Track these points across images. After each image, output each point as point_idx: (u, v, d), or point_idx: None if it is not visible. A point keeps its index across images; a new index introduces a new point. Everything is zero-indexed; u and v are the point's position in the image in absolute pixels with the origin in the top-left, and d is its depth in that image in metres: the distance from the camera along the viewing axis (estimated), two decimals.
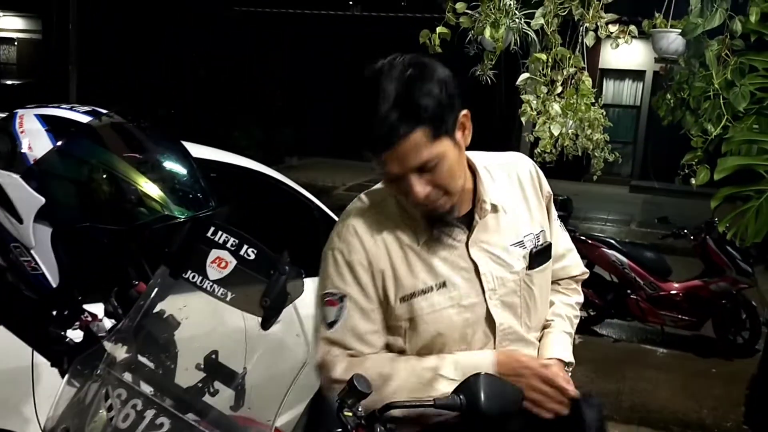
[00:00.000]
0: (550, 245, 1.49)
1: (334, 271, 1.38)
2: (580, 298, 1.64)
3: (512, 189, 1.47)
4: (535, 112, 3.28)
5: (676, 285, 5.70)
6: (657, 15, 3.56)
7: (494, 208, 1.42)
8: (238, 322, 1.21)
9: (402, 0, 13.94)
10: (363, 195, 1.46)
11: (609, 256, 5.80)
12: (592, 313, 5.90)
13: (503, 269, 1.41)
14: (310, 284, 3.07)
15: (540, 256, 1.46)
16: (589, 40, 3.29)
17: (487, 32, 3.25)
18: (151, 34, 13.65)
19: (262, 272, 1.07)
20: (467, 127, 1.34)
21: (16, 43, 19.31)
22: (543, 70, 3.22)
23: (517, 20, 3.42)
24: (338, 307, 1.36)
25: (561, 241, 1.58)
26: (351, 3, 14.68)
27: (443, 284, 1.37)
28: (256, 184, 3.25)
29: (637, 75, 13.78)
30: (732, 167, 3.05)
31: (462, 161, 1.35)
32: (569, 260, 1.61)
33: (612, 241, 5.98)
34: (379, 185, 1.45)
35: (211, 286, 1.04)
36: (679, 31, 3.34)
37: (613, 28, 3.21)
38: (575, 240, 5.79)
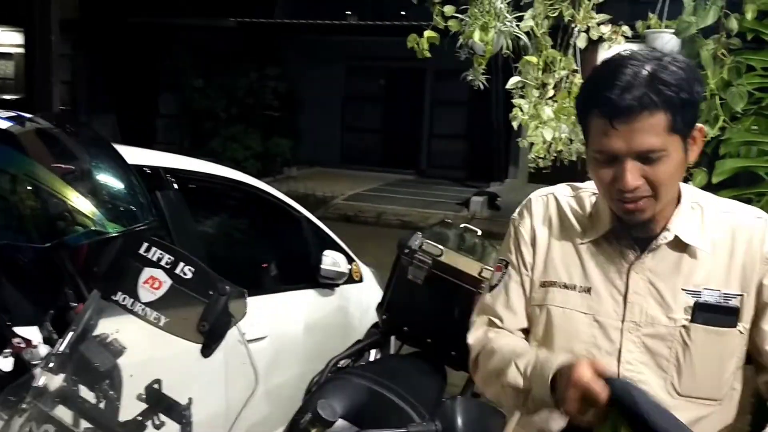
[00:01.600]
0: (737, 310, 1.24)
1: (507, 238, 1.43)
2: None
3: (720, 237, 1.28)
4: (527, 117, 3.18)
5: None
6: (651, 16, 3.47)
7: (679, 244, 1.26)
8: (181, 347, 1.11)
9: (402, 9, 13.90)
10: (560, 185, 1.44)
11: None
12: None
13: (660, 309, 1.25)
14: (302, 296, 2.96)
15: (714, 312, 1.24)
16: (581, 42, 3.20)
17: (476, 35, 3.16)
18: (143, 40, 13.62)
19: (201, 293, 0.97)
20: (698, 143, 1.25)
21: (13, 58, 19.30)
22: (534, 73, 3.12)
23: (507, 23, 3.33)
24: (501, 273, 1.41)
25: None
26: (348, 12, 14.63)
27: (588, 290, 1.30)
28: (241, 197, 3.16)
29: None
30: (731, 170, 2.95)
31: (681, 172, 1.25)
32: None
33: None
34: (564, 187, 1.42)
35: (143, 309, 0.94)
36: (673, 31, 3.24)
37: (606, 29, 3.12)
38: None
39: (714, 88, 2.92)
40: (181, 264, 0.95)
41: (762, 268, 1.24)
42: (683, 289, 1.24)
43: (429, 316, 2.16)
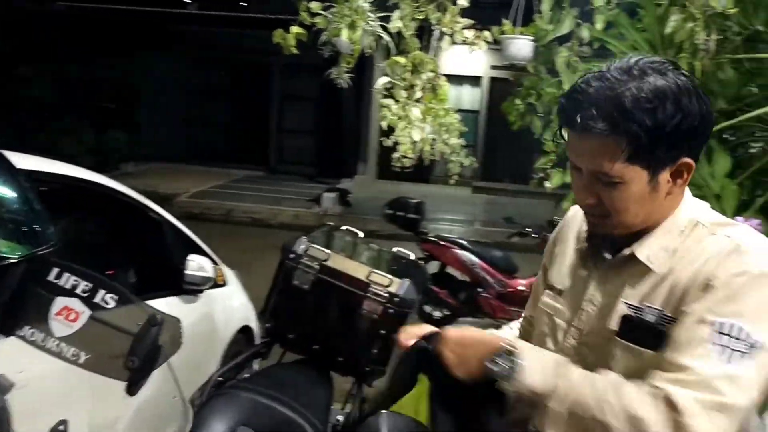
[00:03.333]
0: (662, 333, 1.13)
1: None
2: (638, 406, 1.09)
3: (687, 259, 1.16)
4: (395, 117, 3.21)
5: (523, 281, 5.92)
6: (505, 22, 3.63)
7: (633, 259, 1.20)
8: (96, 384, 0.98)
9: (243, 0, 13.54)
10: None
11: (460, 256, 5.91)
12: (446, 313, 5.99)
13: (601, 320, 1.22)
14: (164, 305, 2.77)
15: (644, 330, 1.16)
16: (445, 45, 3.28)
17: (344, 34, 3.14)
18: None
19: (127, 324, 0.86)
20: (684, 178, 1.16)
21: None
22: (402, 74, 3.16)
23: (371, 23, 3.34)
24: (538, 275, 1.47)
25: (687, 347, 1.09)
26: (188, 1, 14.03)
27: (561, 292, 1.34)
28: (91, 198, 2.89)
29: (474, 81, 14.37)
30: None
31: (651, 204, 1.16)
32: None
33: (463, 242, 6.11)
34: None
35: (57, 346, 0.81)
36: (529, 37, 3.42)
37: (469, 34, 3.22)
38: (427, 242, 5.91)
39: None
40: (102, 291, 0.83)
41: (695, 294, 1.12)
42: (626, 303, 1.19)
43: (316, 322, 2.11)
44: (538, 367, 1.12)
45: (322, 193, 10.89)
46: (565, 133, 1.15)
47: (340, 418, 2.06)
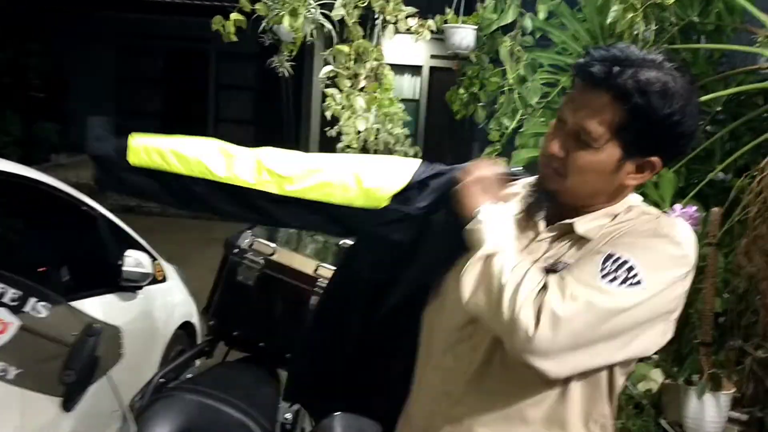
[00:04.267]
0: None
1: None
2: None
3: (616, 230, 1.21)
4: (339, 107, 3.15)
5: None
6: (448, 11, 3.62)
7: (569, 233, 1.22)
8: (27, 398, 0.90)
9: None
10: None
11: None
12: None
13: None
14: (100, 303, 2.64)
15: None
16: (389, 34, 3.24)
17: (286, 21, 3.06)
18: None
19: (62, 335, 0.79)
20: (645, 173, 1.18)
21: None
22: (346, 63, 3.10)
23: (313, 10, 3.27)
24: None
25: (576, 266, 1.16)
26: None
27: None
28: (19, 192, 2.73)
29: (414, 70, 14.38)
30: (525, 159, 3.17)
31: (605, 183, 1.18)
32: None
33: None
34: None
35: None
36: (472, 27, 3.41)
37: (413, 22, 3.19)
38: None
39: (512, 82, 3.12)
40: (32, 300, 0.76)
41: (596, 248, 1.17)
42: (544, 267, 1.20)
43: (262, 318, 2.05)
44: (498, 228, 1.16)
45: None
46: (572, 87, 1.18)
47: (289, 416, 2.01)
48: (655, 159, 1.16)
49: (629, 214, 1.22)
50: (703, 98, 3.39)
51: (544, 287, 1.07)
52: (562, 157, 1.15)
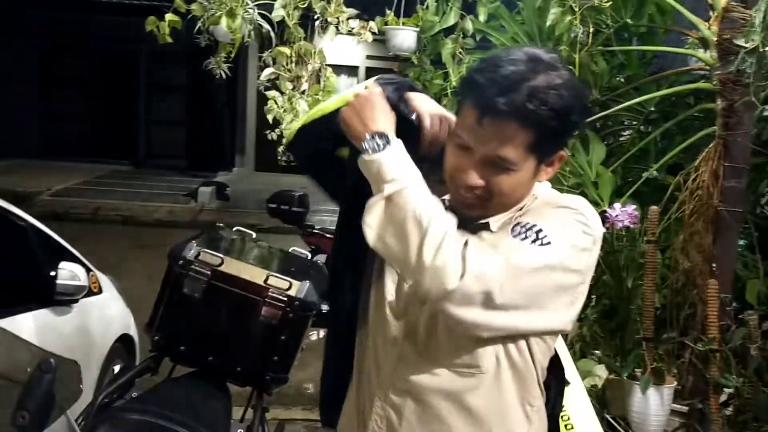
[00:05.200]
0: None
1: None
2: None
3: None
4: (281, 110, 3.09)
5: None
6: (389, 12, 3.60)
7: (483, 228, 1.21)
8: None
9: None
10: None
11: None
12: None
13: None
14: (33, 319, 2.50)
15: None
16: (330, 35, 3.20)
17: (224, 22, 2.98)
18: None
19: (13, 372, 0.71)
20: (555, 168, 1.22)
21: None
22: (287, 65, 3.04)
23: (250, 11, 3.20)
24: None
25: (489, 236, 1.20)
26: None
27: None
28: None
29: (351, 71, 14.35)
30: None
31: (525, 188, 1.20)
32: None
33: None
34: None
35: None
36: (413, 28, 3.40)
37: (354, 24, 3.15)
38: (314, 235, 5.81)
39: (455, 84, 3.12)
40: None
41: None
42: None
43: (210, 332, 1.97)
44: (401, 161, 1.14)
45: (198, 186, 10.48)
46: (468, 112, 1.14)
47: (241, 431, 1.95)
48: (562, 152, 1.20)
49: (536, 201, 1.24)
50: (637, 99, 3.49)
51: (465, 243, 1.07)
52: (484, 186, 1.16)
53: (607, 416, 2.97)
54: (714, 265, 2.90)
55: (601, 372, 2.98)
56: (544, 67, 1.12)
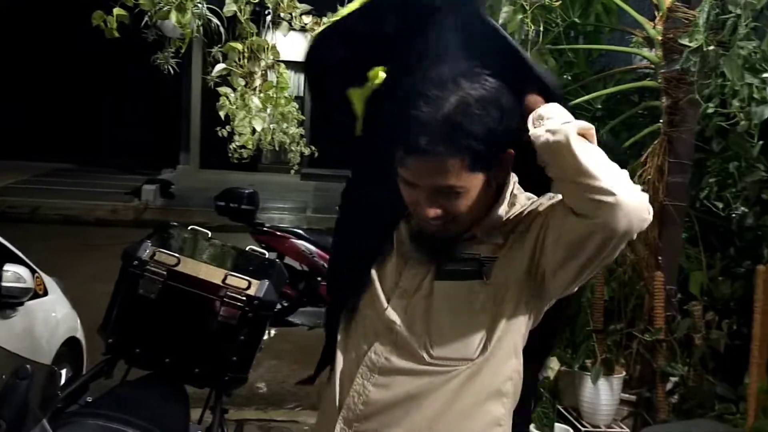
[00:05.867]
0: (479, 261, 1.25)
1: None
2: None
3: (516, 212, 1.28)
4: (234, 106, 3.04)
5: None
6: (341, 9, 3.57)
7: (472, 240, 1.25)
8: None
9: None
10: None
11: (298, 246, 5.84)
12: (285, 305, 5.89)
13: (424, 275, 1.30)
14: None
15: (458, 266, 1.26)
16: (283, 31, 3.16)
17: (173, 17, 2.91)
18: None
19: None
20: (507, 168, 1.23)
21: None
22: (240, 60, 3.00)
23: (200, 5, 3.14)
24: None
25: None
26: None
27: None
28: None
29: (298, 66, 14.23)
30: None
31: (485, 196, 1.22)
32: None
33: (299, 231, 6.04)
34: None
35: None
36: None
37: (308, 20, 3.13)
38: (263, 233, 5.75)
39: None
40: None
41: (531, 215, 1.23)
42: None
43: (167, 333, 1.93)
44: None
45: (141, 185, 10.24)
46: (400, 153, 1.15)
47: None
48: (508, 152, 1.20)
49: (520, 197, 1.28)
50: (584, 98, 3.57)
51: None
52: (441, 214, 1.18)
53: (559, 407, 3.04)
54: (660, 257, 2.99)
55: (554, 364, 3.05)
56: (454, 87, 1.13)
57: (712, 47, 2.54)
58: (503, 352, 1.24)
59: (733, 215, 3.21)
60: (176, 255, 1.92)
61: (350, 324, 1.35)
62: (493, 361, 1.23)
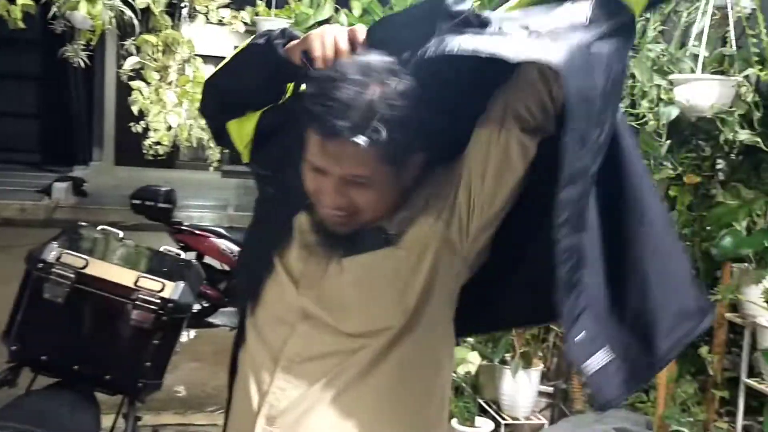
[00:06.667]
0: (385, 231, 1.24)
1: None
2: None
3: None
4: (148, 101, 2.94)
5: None
6: (260, 3, 3.52)
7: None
8: None
9: None
10: None
11: (218, 245, 5.72)
12: (205, 305, 5.76)
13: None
14: None
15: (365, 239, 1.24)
16: (199, 24, 3.08)
17: (83, 8, 2.79)
18: None
19: None
20: (415, 171, 1.20)
21: None
22: (153, 54, 2.90)
23: None
24: None
25: None
26: None
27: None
28: None
29: (218, 61, 13.93)
30: None
31: (392, 193, 1.19)
32: None
33: (219, 230, 5.92)
34: None
35: None
36: (286, 20, 3.34)
37: (225, 14, 3.06)
38: (181, 232, 5.61)
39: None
40: None
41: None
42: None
43: (75, 339, 1.84)
44: None
45: (52, 182, 9.78)
46: (312, 135, 1.13)
47: None
48: (421, 154, 1.18)
49: None
50: None
51: None
52: (345, 203, 1.16)
53: (480, 401, 3.09)
54: None
55: (475, 359, 3.10)
56: (377, 77, 1.10)
57: None
58: (427, 319, 1.20)
59: None
60: (84, 257, 1.83)
61: (258, 317, 1.30)
62: (417, 330, 1.20)
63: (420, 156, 1.19)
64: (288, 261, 1.28)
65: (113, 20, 3.09)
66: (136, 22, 3.18)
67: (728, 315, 2.78)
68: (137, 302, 1.83)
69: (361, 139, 1.07)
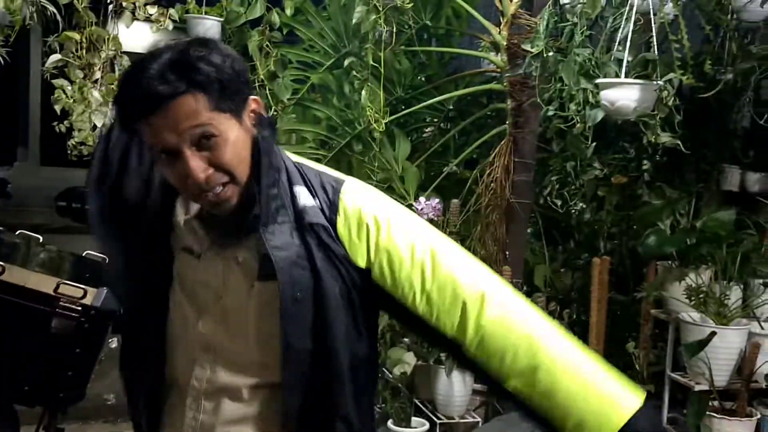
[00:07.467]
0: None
1: None
2: None
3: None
4: (71, 100, 2.83)
5: None
6: (189, 0, 3.44)
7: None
8: None
9: None
10: None
11: None
12: None
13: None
14: None
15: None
16: (125, 21, 2.99)
17: (1, 2, 2.67)
18: None
19: None
20: (258, 116, 1.18)
21: None
22: (77, 51, 2.79)
23: None
24: None
25: None
26: None
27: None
28: None
29: None
30: None
31: (247, 144, 1.16)
32: None
33: None
34: None
35: None
36: (217, 18, 3.28)
37: (153, 11, 2.97)
38: None
39: (263, 78, 3.07)
40: None
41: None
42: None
43: None
44: None
45: None
46: (141, 127, 1.12)
47: None
48: (251, 97, 1.18)
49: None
50: (437, 98, 3.68)
51: None
52: (212, 172, 1.13)
53: (416, 400, 3.11)
54: (507, 252, 3.14)
55: (410, 359, 3.11)
56: (168, 47, 1.12)
57: (551, 53, 2.68)
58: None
59: (573, 211, 3.43)
60: (1, 263, 1.74)
61: (167, 352, 1.35)
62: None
63: (251, 99, 1.18)
64: (185, 290, 1.31)
65: (35, 15, 2.97)
66: (59, 18, 3.06)
67: (653, 311, 2.88)
68: (57, 310, 1.75)
69: (177, 90, 1.07)
